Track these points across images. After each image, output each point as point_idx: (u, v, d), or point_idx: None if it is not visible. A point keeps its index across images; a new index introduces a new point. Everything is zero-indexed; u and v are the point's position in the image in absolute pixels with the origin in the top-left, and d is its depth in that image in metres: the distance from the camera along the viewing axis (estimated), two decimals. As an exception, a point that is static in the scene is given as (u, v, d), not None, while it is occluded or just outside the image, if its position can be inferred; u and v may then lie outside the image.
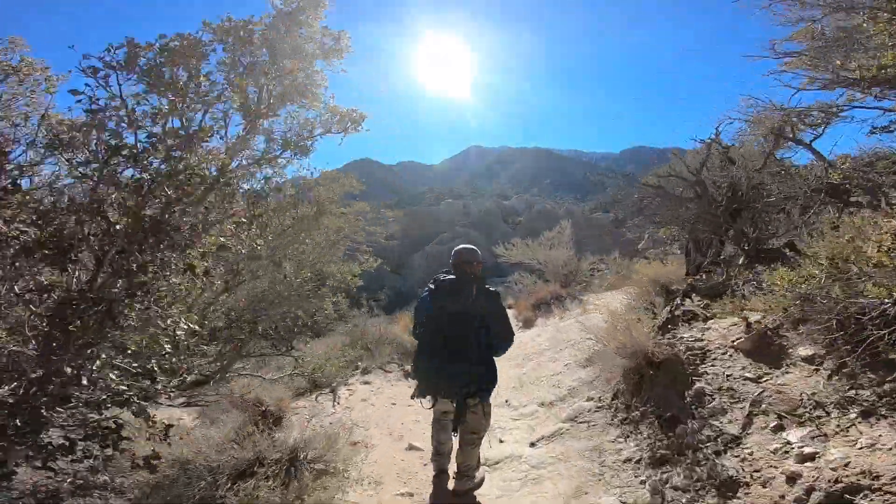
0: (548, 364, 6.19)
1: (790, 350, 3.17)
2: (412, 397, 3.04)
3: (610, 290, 13.42)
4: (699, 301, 4.70)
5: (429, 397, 2.99)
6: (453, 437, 3.05)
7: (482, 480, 3.16)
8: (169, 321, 1.91)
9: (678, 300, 4.88)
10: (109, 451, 1.90)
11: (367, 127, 3.36)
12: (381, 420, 5.08)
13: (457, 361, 2.70)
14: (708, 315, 4.34)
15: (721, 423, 2.99)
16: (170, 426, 2.17)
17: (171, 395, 3.16)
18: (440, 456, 3.17)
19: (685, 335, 4.04)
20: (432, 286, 2.96)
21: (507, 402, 5.37)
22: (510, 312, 16.10)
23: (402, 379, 6.42)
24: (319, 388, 5.56)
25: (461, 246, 3.12)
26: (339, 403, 5.29)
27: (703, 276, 4.67)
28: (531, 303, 12.63)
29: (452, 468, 3.17)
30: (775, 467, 2.48)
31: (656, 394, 3.55)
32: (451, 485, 3.11)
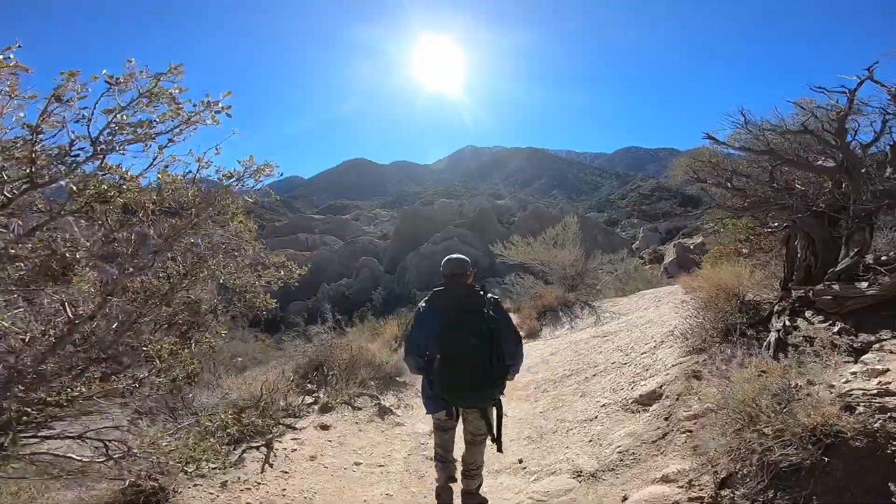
0: (573, 400, 4.50)
1: None
2: (427, 413, 2.87)
3: (624, 295, 11.79)
4: (822, 322, 3.04)
5: (443, 411, 2.76)
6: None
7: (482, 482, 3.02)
8: None
9: (784, 320, 3.21)
10: None
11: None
12: (333, 496, 3.36)
13: (478, 367, 2.57)
14: (854, 345, 2.68)
15: None
16: None
17: None
18: (447, 463, 2.96)
19: (835, 381, 2.37)
20: (429, 301, 2.83)
21: (520, 462, 3.66)
22: (514, 316, 14.44)
23: (375, 418, 4.70)
24: (250, 438, 3.84)
25: (452, 256, 3.00)
26: (272, 465, 3.57)
27: (835, 286, 3.00)
28: (535, 310, 10.95)
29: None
30: None
31: (828, 488, 1.88)
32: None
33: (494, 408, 2.72)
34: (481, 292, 2.74)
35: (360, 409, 4.75)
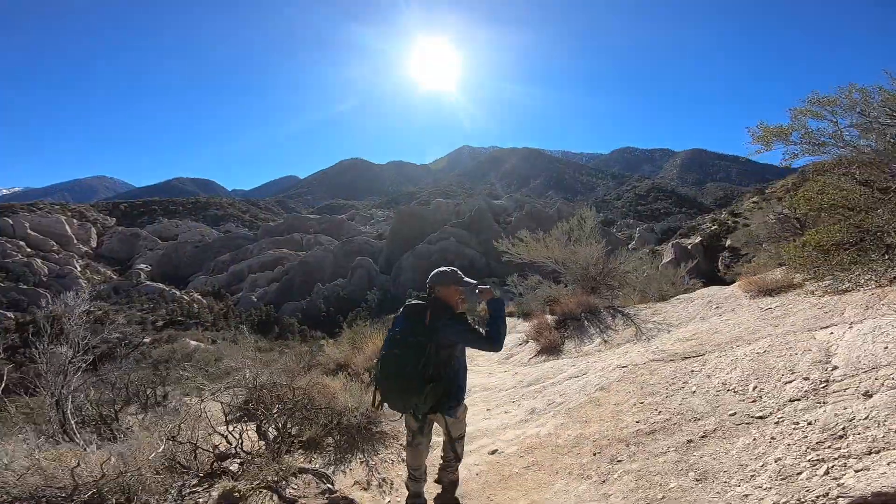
0: (686, 487, 2.43)
1: None
2: (372, 405, 2.85)
3: (649, 299, 9.76)
4: None
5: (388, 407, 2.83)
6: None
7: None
8: None
9: None
10: None
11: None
12: None
13: (402, 379, 2.61)
14: None
15: None
16: None
17: None
18: (418, 482, 2.95)
19: None
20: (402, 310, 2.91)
21: None
22: (514, 320, 12.32)
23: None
24: None
25: (435, 271, 2.94)
26: None
27: None
28: (552, 317, 8.90)
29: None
30: None
31: None
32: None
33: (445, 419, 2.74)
34: (429, 305, 2.73)
35: (292, 501, 2.67)
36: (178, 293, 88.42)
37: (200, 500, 2.61)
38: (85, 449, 2.89)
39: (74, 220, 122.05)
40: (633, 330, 6.88)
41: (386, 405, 2.77)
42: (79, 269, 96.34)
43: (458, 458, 2.98)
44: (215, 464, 3.06)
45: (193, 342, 47.75)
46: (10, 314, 66.46)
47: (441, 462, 3.02)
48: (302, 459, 3.07)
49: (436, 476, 3.04)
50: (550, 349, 7.51)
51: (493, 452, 3.53)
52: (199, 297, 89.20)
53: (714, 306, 6.82)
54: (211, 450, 3.11)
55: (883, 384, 2.42)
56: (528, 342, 8.78)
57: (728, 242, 40.75)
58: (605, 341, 6.83)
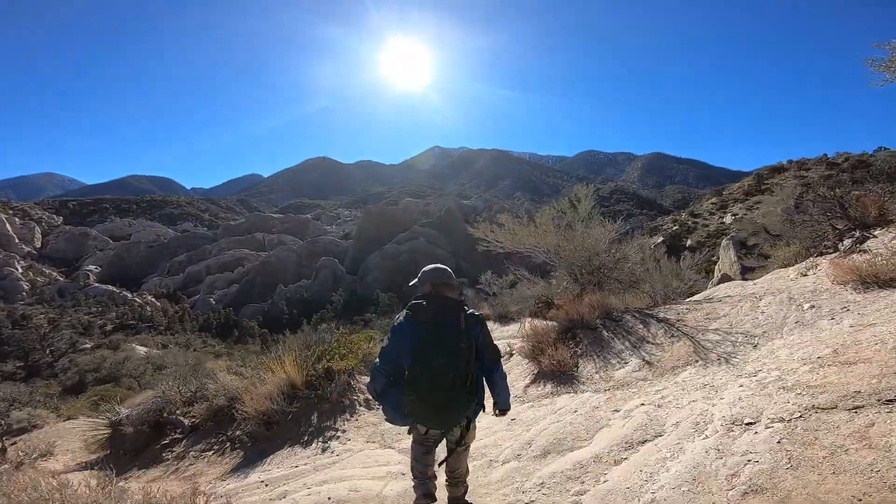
0: None
1: None
2: (409, 432, 2.69)
3: (663, 297, 8.04)
4: None
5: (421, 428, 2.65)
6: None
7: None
8: None
9: None
10: None
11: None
12: None
13: (456, 390, 2.35)
14: None
15: None
16: None
17: None
18: (427, 480, 2.75)
19: None
20: (410, 313, 2.55)
21: None
22: (489, 325, 10.37)
23: None
24: None
25: (437, 266, 2.75)
26: None
27: None
28: (549, 323, 6.80)
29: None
30: None
31: None
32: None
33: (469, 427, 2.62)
34: (461, 307, 2.55)
35: None
36: (129, 295, 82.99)
37: None
38: None
39: (16, 219, 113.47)
40: (686, 344, 4.98)
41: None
42: (20, 270, 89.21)
43: (467, 471, 2.84)
44: None
45: (141, 348, 43.78)
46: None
47: (449, 479, 2.76)
48: None
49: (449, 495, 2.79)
50: (558, 374, 5.41)
51: None
52: (153, 299, 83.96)
53: (807, 305, 4.93)
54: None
55: None
56: (513, 355, 6.76)
57: (689, 242, 40.97)
58: (648, 363, 4.91)
